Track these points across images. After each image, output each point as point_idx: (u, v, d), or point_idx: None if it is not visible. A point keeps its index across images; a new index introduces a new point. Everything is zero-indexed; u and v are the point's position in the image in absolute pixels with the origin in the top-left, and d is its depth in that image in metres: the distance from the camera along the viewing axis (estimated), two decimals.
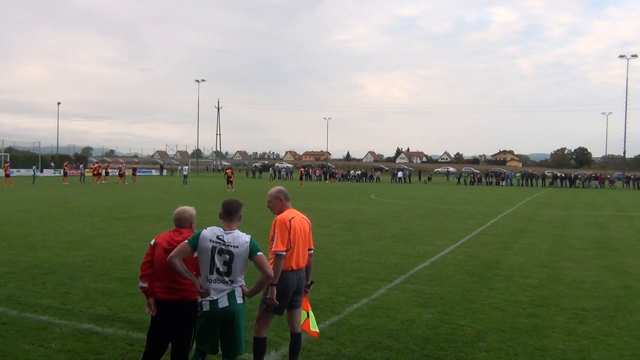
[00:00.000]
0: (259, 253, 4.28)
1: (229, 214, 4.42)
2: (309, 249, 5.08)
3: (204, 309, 4.27)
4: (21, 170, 59.48)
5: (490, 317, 6.99)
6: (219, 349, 4.41)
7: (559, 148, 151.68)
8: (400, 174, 64.40)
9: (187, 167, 46.34)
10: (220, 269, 4.25)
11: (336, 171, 72.41)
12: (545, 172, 72.62)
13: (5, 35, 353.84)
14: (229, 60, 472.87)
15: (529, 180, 61.21)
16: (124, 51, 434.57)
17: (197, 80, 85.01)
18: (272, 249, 4.72)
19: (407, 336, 6.16)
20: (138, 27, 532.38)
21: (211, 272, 4.26)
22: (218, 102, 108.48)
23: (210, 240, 4.28)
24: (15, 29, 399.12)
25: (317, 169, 76.23)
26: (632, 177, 59.71)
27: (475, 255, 11.85)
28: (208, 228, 4.39)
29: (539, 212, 23.86)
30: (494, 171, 72.42)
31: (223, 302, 4.23)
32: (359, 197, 32.32)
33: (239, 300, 4.30)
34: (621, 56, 67.20)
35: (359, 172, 69.35)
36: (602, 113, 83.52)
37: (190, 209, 4.75)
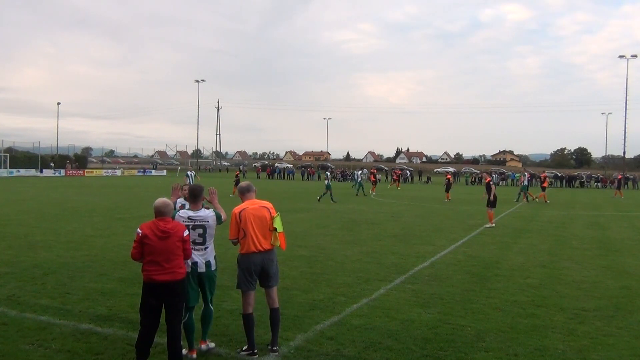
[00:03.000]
0: (222, 217, 5.69)
1: (195, 197, 5.59)
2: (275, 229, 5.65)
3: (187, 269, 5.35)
4: (21, 170, 59.55)
5: (490, 317, 6.99)
6: (198, 301, 5.58)
7: (559, 148, 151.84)
8: (407, 173, 64.03)
9: (192, 173, 39.08)
10: (196, 240, 5.46)
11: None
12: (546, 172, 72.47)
13: (5, 36, 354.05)
14: (228, 61, 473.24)
15: (529, 180, 60.91)
16: (124, 52, 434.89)
17: (197, 81, 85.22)
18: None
19: (407, 336, 6.16)
20: (138, 27, 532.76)
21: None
22: (218, 102, 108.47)
23: (183, 221, 5.41)
24: (16, 30, 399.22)
25: (315, 169, 76.07)
26: (631, 177, 59.68)
27: (475, 255, 11.85)
28: (179, 212, 5.53)
29: (539, 212, 23.85)
30: (500, 171, 72.22)
31: (201, 268, 5.50)
32: (358, 197, 32.31)
33: (213, 268, 5.61)
34: (621, 56, 67.18)
35: (363, 171, 68.93)
36: (602, 113, 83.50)
37: (169, 200, 5.32)
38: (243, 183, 5.97)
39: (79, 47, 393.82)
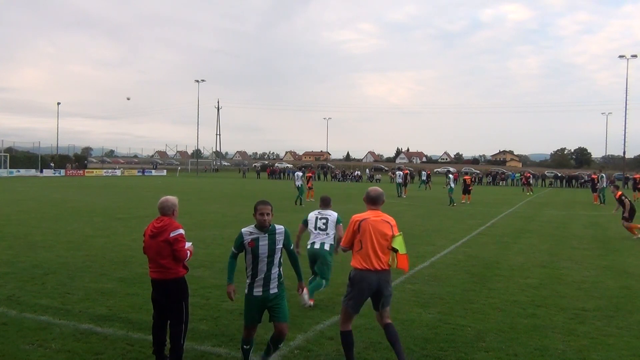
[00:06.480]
0: (339, 224, 7.48)
1: (325, 204, 7.74)
2: (394, 249, 5.08)
3: (307, 248, 7.53)
4: (21, 170, 59.53)
5: (490, 317, 6.99)
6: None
7: (559, 148, 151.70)
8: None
9: (300, 174, 27.36)
10: (321, 227, 7.46)
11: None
12: (545, 172, 72.52)
13: (5, 36, 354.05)
14: (228, 61, 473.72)
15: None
16: (124, 52, 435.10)
17: (197, 81, 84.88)
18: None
19: (407, 336, 6.15)
20: (138, 27, 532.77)
21: (315, 228, 7.51)
22: (218, 102, 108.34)
23: (315, 215, 7.58)
24: (16, 30, 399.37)
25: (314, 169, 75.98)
26: (631, 177, 59.60)
27: (475, 255, 11.85)
28: (312, 212, 7.66)
29: (539, 212, 23.85)
30: (499, 171, 72.02)
31: (316, 246, 7.36)
32: (358, 198, 32.30)
33: (326, 247, 7.40)
34: (621, 56, 67.05)
35: (366, 171, 68.44)
36: (602, 113, 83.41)
37: (171, 199, 5.31)
38: (372, 190, 5.34)
39: (79, 47, 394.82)
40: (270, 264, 4.90)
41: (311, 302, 7.14)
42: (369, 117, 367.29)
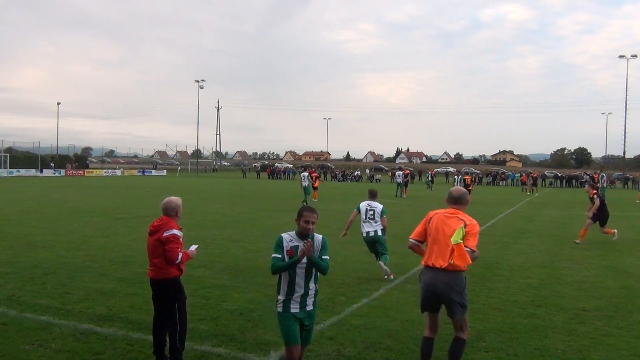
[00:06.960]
0: (383, 216, 9.27)
1: (373, 196, 9.55)
2: (469, 248, 4.65)
3: (363, 236, 9.37)
4: (21, 170, 59.52)
5: (490, 317, 6.98)
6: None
7: (559, 148, 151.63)
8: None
9: (306, 174, 27.02)
10: (370, 217, 9.21)
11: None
12: (545, 172, 72.49)
13: (5, 36, 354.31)
14: (228, 61, 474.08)
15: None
16: (124, 52, 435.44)
17: (197, 81, 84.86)
18: None
19: (407, 336, 6.15)
20: (138, 27, 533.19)
21: (366, 218, 9.27)
22: (218, 102, 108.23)
23: (365, 206, 9.36)
24: (16, 30, 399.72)
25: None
26: (631, 177, 59.62)
27: None
28: (363, 202, 9.47)
29: (539, 212, 23.84)
30: (499, 171, 71.99)
31: (371, 233, 9.17)
32: (358, 198, 32.28)
33: (379, 233, 9.17)
34: (621, 56, 66.97)
35: (366, 171, 68.21)
36: (602, 113, 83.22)
37: (175, 200, 5.37)
38: (454, 190, 5.11)
39: (79, 47, 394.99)
40: (308, 277, 4.48)
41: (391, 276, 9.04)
42: (369, 117, 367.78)
